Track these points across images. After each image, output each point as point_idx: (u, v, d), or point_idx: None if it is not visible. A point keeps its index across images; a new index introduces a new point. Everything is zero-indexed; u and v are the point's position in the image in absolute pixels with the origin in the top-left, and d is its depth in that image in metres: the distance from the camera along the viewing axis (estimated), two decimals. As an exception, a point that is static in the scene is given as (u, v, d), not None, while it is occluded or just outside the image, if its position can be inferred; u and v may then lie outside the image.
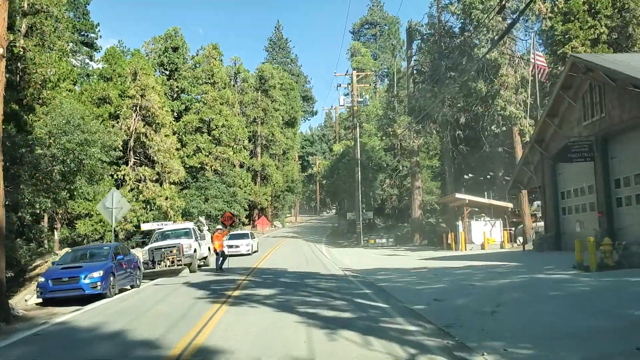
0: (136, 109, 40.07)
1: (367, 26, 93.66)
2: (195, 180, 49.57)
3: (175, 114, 52.70)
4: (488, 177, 32.84)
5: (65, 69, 44.07)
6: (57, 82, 34.38)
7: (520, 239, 27.87)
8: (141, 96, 40.00)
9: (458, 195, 26.81)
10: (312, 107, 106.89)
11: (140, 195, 39.00)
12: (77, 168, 25.62)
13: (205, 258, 22.80)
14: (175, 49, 53.76)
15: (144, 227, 24.51)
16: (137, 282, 15.33)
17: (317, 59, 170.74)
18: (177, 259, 19.00)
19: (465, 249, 26.65)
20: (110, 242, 37.24)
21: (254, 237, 31.70)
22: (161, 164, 39.94)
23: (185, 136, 50.93)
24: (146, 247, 20.18)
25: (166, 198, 39.97)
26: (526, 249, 23.56)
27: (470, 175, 33.56)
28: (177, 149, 50.73)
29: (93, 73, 50.82)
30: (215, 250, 20.17)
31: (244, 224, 54.73)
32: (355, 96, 35.43)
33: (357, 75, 36.45)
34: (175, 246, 19.19)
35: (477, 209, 28.93)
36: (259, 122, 59.44)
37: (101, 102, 40.29)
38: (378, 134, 44.35)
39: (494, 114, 26.53)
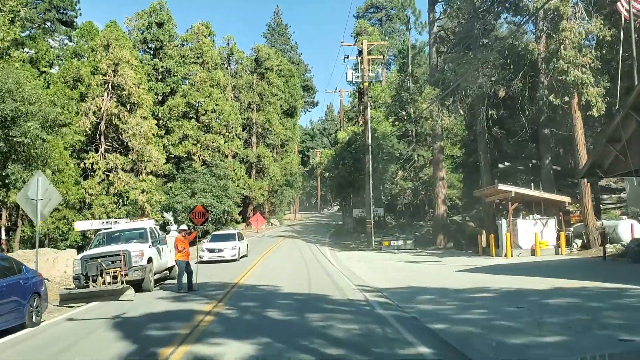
0: (107, 87, 34.11)
1: (372, 10, 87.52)
2: (180, 171, 43.64)
3: (159, 97, 46.77)
4: (530, 165, 26.91)
5: (41, 48, 38.68)
6: (6, 50, 28.53)
7: (578, 242, 21.95)
8: (113, 72, 34.00)
9: (502, 187, 20.93)
10: (313, 98, 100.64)
11: (111, 188, 33.06)
12: (7, 149, 19.72)
13: (170, 269, 16.81)
14: (160, 25, 47.60)
15: (78, 226, 18.38)
16: (35, 317, 9.38)
17: (318, 48, 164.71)
18: (122, 272, 13.06)
19: (511, 255, 20.74)
20: (73, 243, 31.40)
21: (243, 239, 25.75)
22: (136, 150, 33.93)
23: (170, 122, 44.96)
24: (79, 256, 14.15)
25: (142, 191, 33.98)
26: (608, 256, 17.60)
27: (505, 163, 27.64)
28: (161, 137, 44.96)
29: (67, 51, 44.85)
30: (177, 262, 14.17)
31: (236, 222, 48.83)
32: (366, 69, 29.49)
33: (368, 46, 30.48)
34: (118, 254, 13.23)
35: (521, 205, 23.00)
36: (254, 109, 53.39)
37: (75, 83, 34.53)
38: (390, 119, 38.40)
39: (550, 80, 20.53)
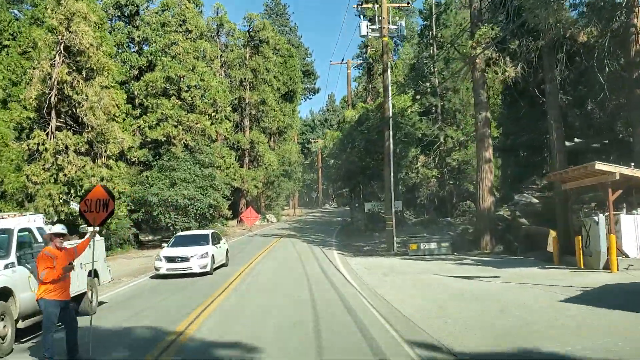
0: (59, 48, 27.00)
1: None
2: (157, 158, 36.62)
3: (134, 71, 39.65)
4: (609, 142, 19.84)
5: (3, 19, 32.06)
6: None
7: None
8: (65, 28, 26.87)
9: (601, 167, 13.98)
10: (314, 84, 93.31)
11: (61, 174, 26.09)
12: None
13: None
14: (135, -14, 40.53)
15: None
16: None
17: (319, 33, 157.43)
18: None
19: (617, 267, 13.78)
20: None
21: (219, 241, 18.52)
22: (93, 127, 26.87)
23: (147, 100, 37.89)
24: None
25: (102, 179, 26.95)
26: None
27: (577, 140, 20.61)
28: (136, 117, 37.96)
29: (25, 15, 37.74)
30: (40, 302, 6.99)
31: (225, 218, 41.88)
32: (386, 20, 22.45)
33: (388, -8, 23.33)
34: None
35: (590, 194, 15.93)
36: (247, 87, 46.17)
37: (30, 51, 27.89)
38: (409, 92, 31.33)
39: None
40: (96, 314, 10.37)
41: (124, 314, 10.31)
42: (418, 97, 30.41)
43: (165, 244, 17.84)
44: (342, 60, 54.14)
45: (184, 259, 15.72)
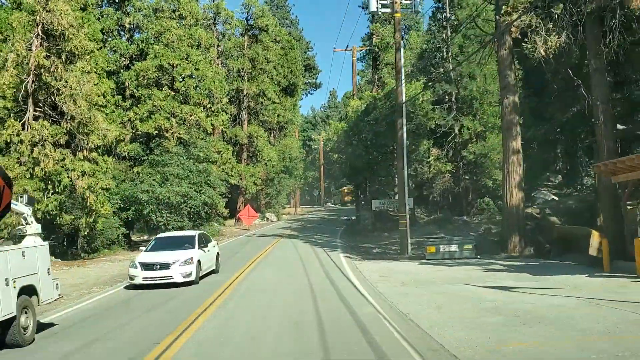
0: (36, 30, 24.45)
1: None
2: (148, 152, 34.08)
3: (125, 59, 37.06)
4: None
5: None
6: None
7: None
8: (43, 8, 24.30)
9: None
10: (315, 79, 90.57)
11: (37, 169, 23.56)
12: None
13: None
14: (125, -31, 37.93)
15: None
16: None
17: (320, 26, 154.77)
18: None
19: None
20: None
21: (208, 244, 15.78)
22: (74, 117, 24.28)
23: (138, 90, 35.33)
24: None
25: (83, 174, 24.42)
26: None
27: (619, 126, 17.93)
28: (126, 109, 35.49)
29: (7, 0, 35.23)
30: None
31: (222, 217, 39.35)
32: (399, -7, 19.82)
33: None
34: None
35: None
36: (245, 77, 43.55)
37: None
38: (420, 78, 28.66)
39: None
40: (32, 345, 7.79)
41: (70, 346, 7.72)
42: (430, 84, 27.74)
43: (142, 248, 15.19)
44: (347, 47, 51.20)
45: (164, 266, 13.10)
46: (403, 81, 20.61)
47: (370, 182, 31.49)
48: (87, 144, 25.10)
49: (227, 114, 39.06)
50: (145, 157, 33.79)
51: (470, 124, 27.77)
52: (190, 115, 35.57)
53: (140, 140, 36.45)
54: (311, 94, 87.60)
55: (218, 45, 44.61)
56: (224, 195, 39.75)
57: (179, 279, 13.02)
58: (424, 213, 31.48)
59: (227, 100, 40.05)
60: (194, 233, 16.16)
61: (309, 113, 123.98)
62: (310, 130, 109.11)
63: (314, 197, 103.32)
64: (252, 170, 41.80)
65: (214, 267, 15.62)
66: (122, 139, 35.02)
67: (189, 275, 13.23)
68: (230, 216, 40.08)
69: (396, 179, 25.08)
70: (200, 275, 13.98)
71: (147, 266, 13.14)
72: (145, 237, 37.99)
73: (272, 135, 57.66)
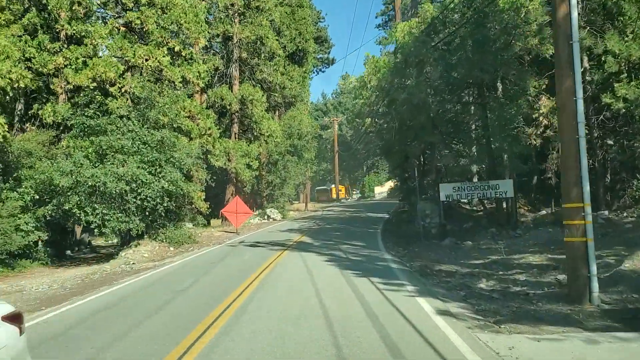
0: None
1: None
2: (81, 113, 21.87)
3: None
4: None
5: None
6: None
7: None
8: None
9: None
10: (328, 53, 78.04)
11: None
12: None
13: None
14: None
15: None
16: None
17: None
18: None
19: None
20: None
21: None
22: None
23: (72, 26, 23.39)
24: None
25: None
26: None
27: None
28: (54, 53, 23.95)
29: None
30: None
31: (203, 215, 27.26)
32: None
33: None
34: None
35: None
36: (236, 18, 31.20)
37: None
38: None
39: None
40: None
41: None
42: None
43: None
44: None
45: None
46: None
47: (426, 162, 19.17)
48: None
49: (205, 63, 26.74)
50: (76, 120, 21.66)
51: (619, 46, 15.41)
52: (146, 60, 23.47)
53: (74, 99, 24.47)
54: (323, 71, 75.30)
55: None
56: (206, 183, 27.67)
57: None
58: (525, 204, 19.07)
59: (208, 45, 27.87)
60: None
61: (319, 100, 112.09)
62: (320, 118, 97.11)
63: (327, 192, 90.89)
64: (246, 148, 29.51)
65: None
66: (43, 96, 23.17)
67: None
68: (212, 214, 27.81)
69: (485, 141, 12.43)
70: None
71: None
72: (115, 241, 26.68)
73: (277, 113, 45.65)
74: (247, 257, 15.33)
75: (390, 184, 77.85)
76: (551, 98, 17.07)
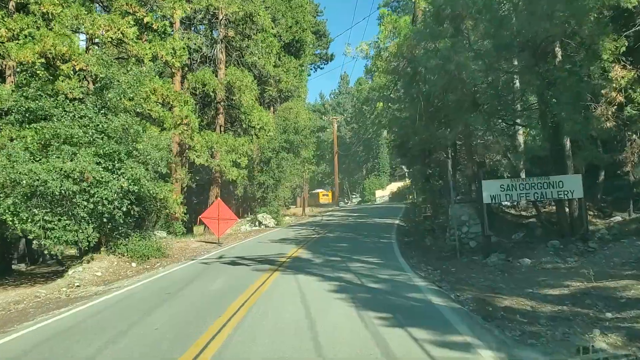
0: None
1: None
2: (19, 94, 17.34)
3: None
4: None
5: None
6: None
7: None
8: None
9: None
10: (326, 49, 73.79)
11: None
12: None
13: None
14: None
15: None
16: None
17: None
18: None
19: None
20: None
21: None
22: None
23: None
24: None
25: None
26: None
27: None
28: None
29: None
30: None
31: (183, 223, 22.74)
32: None
33: None
34: None
35: None
36: (221, -9, 26.84)
37: None
38: None
39: None
40: None
41: None
42: None
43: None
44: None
45: None
46: None
47: (473, 140, 14.77)
48: None
49: (181, 40, 22.33)
50: (15, 103, 17.19)
51: None
52: (107, 31, 19.08)
53: (21, 75, 20.04)
54: (321, 67, 70.70)
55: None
56: (188, 186, 23.24)
57: None
58: (591, 208, 14.65)
59: (188, 23, 23.46)
60: None
61: (317, 101, 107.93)
62: (318, 119, 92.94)
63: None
64: (232, 142, 25.03)
65: None
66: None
67: None
68: (189, 220, 23.29)
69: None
70: None
71: None
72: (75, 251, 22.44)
73: (272, 109, 41.51)
74: (217, 285, 10.85)
75: (392, 187, 73.55)
76: (631, 66, 12.78)
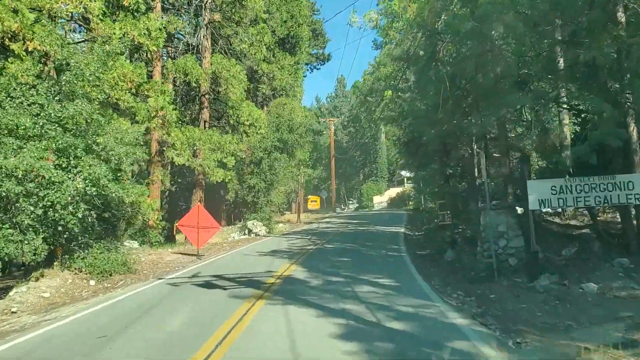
0: None
1: None
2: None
3: None
4: None
5: None
6: None
7: None
8: None
9: None
10: (323, 49, 70.90)
11: None
12: None
13: None
14: None
15: None
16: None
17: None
18: None
19: None
20: None
21: None
22: None
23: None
24: None
25: None
26: None
27: None
28: None
29: None
30: None
31: (161, 231, 19.71)
32: None
33: None
34: None
35: None
36: (206, -30, 23.94)
37: None
38: None
39: None
40: None
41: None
42: None
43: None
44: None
45: None
46: None
47: (501, 132, 11.86)
48: None
49: (157, 20, 19.41)
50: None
51: None
52: (68, 4, 16.16)
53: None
54: (318, 68, 68.05)
55: None
56: (167, 191, 20.17)
57: None
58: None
59: (167, 5, 20.56)
60: None
61: (313, 104, 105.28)
62: (314, 123, 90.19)
63: (321, 201, 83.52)
64: (217, 139, 22.03)
65: None
66: None
67: None
68: (168, 228, 20.28)
69: None
70: None
71: None
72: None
73: (265, 109, 38.66)
74: (175, 323, 7.83)
75: (390, 193, 70.63)
76: None
